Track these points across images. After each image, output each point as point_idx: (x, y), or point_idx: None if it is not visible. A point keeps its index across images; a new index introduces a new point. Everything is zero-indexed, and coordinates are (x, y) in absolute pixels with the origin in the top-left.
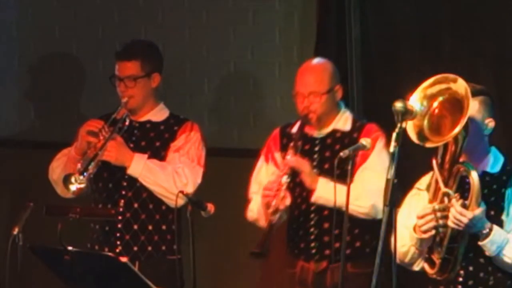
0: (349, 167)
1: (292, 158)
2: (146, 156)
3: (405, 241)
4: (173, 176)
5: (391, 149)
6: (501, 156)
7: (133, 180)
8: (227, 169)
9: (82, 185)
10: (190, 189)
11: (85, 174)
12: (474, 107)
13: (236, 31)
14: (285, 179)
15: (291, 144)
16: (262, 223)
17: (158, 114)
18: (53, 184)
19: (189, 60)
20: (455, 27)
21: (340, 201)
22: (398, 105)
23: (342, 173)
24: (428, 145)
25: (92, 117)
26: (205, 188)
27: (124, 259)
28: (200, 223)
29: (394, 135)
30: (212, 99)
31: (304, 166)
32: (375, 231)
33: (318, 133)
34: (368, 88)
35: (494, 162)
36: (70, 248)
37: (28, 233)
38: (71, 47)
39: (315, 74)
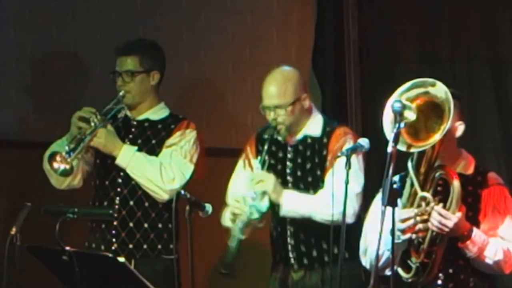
0: (346, 168)
1: (254, 180)
2: (135, 148)
3: (376, 244)
4: (160, 170)
5: (389, 149)
6: (471, 158)
7: (128, 178)
8: (225, 169)
9: (67, 166)
10: (176, 184)
11: (71, 154)
12: None
13: (234, 31)
14: (251, 196)
15: (258, 158)
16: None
17: (158, 113)
18: (47, 174)
19: (187, 60)
20: (453, 30)
21: (307, 211)
22: (396, 105)
23: (315, 180)
24: (412, 150)
25: None
26: (203, 188)
27: (121, 259)
28: (198, 223)
29: (392, 135)
30: (210, 100)
31: (267, 185)
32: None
33: (290, 140)
34: (365, 89)
35: (465, 163)
36: (68, 248)
37: (26, 233)
38: (69, 47)
39: (278, 87)
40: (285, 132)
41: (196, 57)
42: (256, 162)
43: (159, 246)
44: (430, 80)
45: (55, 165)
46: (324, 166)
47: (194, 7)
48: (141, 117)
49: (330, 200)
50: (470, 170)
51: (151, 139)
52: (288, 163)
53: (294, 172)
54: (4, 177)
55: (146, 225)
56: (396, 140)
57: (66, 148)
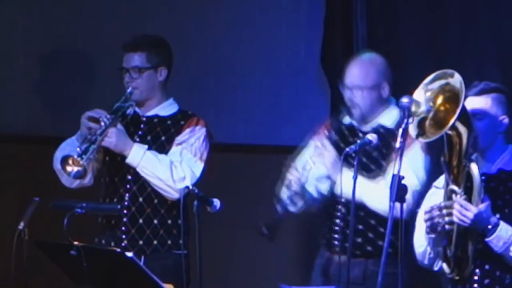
0: (355, 163)
1: (317, 150)
2: (145, 146)
3: (422, 241)
4: (170, 169)
5: (397, 144)
6: None
7: (138, 174)
8: (234, 164)
9: (80, 168)
10: (187, 183)
11: (84, 156)
12: (486, 103)
13: (242, 27)
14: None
15: (327, 133)
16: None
17: (167, 108)
18: (57, 173)
19: (195, 56)
20: (462, 26)
21: (361, 196)
22: (405, 101)
23: (377, 169)
24: (424, 139)
25: None
26: (212, 184)
27: (129, 254)
28: (207, 219)
29: (400, 130)
30: (218, 95)
31: (326, 159)
32: (399, 231)
33: (364, 127)
34: None
35: (511, 159)
36: (76, 243)
37: (34, 228)
38: (77, 42)
39: (361, 68)
40: (358, 116)
41: (204, 53)
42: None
43: (169, 242)
44: (450, 71)
45: (68, 168)
46: (390, 157)
47: (202, 2)
48: (150, 113)
49: (385, 190)
50: None
51: (160, 135)
52: None
53: (360, 159)
54: (13, 172)
55: (155, 221)
56: (404, 135)
57: (78, 150)
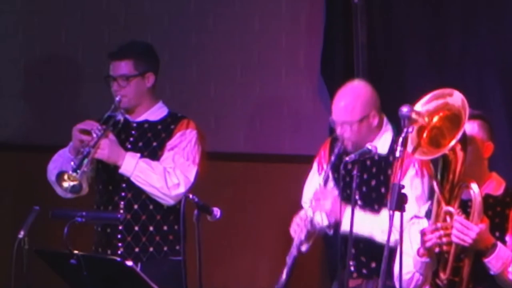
0: (355, 172)
1: (316, 194)
2: (138, 155)
3: (409, 268)
4: (164, 176)
5: (397, 153)
6: (502, 180)
7: (132, 182)
8: (234, 173)
9: (75, 183)
10: (182, 189)
11: (78, 171)
12: (473, 129)
13: (242, 35)
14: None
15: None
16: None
17: (156, 113)
18: (52, 185)
19: (195, 64)
20: (461, 35)
21: (368, 233)
22: (405, 110)
23: (379, 197)
24: (425, 157)
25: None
26: (212, 192)
27: (129, 263)
28: (206, 227)
29: (400, 139)
30: (218, 104)
31: (326, 204)
32: None
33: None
34: None
35: (495, 184)
36: (76, 251)
37: (34, 237)
38: (76, 51)
39: (346, 103)
40: (352, 148)
41: (204, 61)
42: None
43: (165, 248)
44: (448, 90)
45: (64, 184)
46: (388, 184)
47: (203, 10)
48: (140, 118)
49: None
50: (500, 191)
51: (151, 141)
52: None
53: (360, 187)
54: (11, 181)
55: (151, 228)
56: (404, 144)
57: (72, 164)
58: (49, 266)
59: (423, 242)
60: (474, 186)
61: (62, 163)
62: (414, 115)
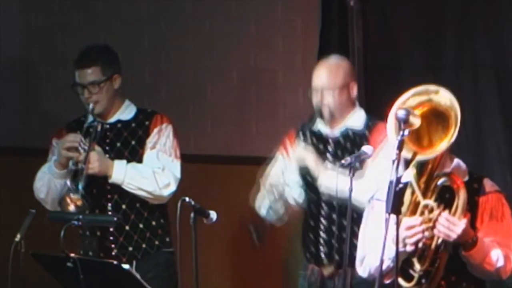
0: (350, 175)
1: (297, 151)
2: (124, 162)
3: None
4: (155, 178)
5: (393, 157)
6: (464, 165)
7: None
8: (230, 176)
9: (79, 203)
10: (173, 188)
11: (77, 191)
12: None
13: (239, 39)
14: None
15: (302, 137)
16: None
17: (126, 111)
18: (41, 202)
19: (192, 68)
20: (457, 37)
21: (346, 191)
22: (401, 112)
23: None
24: (419, 158)
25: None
26: (208, 195)
27: (126, 266)
28: (202, 230)
29: (396, 142)
30: (215, 107)
31: (308, 159)
32: None
33: (331, 132)
34: (370, 97)
35: (460, 171)
36: (72, 255)
37: (30, 240)
38: (73, 54)
39: (329, 70)
40: (328, 116)
41: (200, 65)
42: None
43: (157, 242)
44: (433, 87)
45: (70, 208)
46: (362, 165)
47: (199, 14)
48: (112, 119)
49: (368, 187)
50: (465, 177)
51: (129, 140)
52: (328, 155)
53: (334, 164)
54: (7, 184)
55: (141, 225)
56: (400, 147)
57: (69, 185)
58: (46, 269)
59: (407, 236)
60: (461, 188)
61: (50, 180)
62: (410, 118)
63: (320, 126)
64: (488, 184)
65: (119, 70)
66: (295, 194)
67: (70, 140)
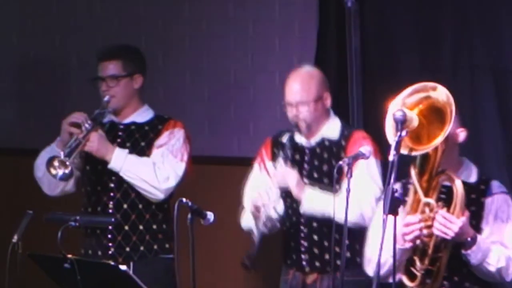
0: (348, 176)
1: (278, 171)
2: (126, 151)
3: (386, 252)
4: (154, 170)
5: (390, 157)
6: (474, 166)
7: (120, 182)
8: (227, 177)
9: (66, 170)
10: (172, 183)
11: (69, 158)
12: None
13: (236, 39)
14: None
15: (281, 153)
16: (255, 232)
17: (143, 115)
18: (39, 182)
19: (189, 68)
20: (455, 38)
21: (329, 212)
22: (398, 113)
23: (331, 182)
24: (414, 153)
25: None
26: (205, 196)
27: (123, 267)
28: (200, 231)
29: (393, 143)
30: (212, 108)
31: (290, 179)
32: (364, 240)
33: (307, 142)
34: (368, 98)
35: (468, 172)
36: (69, 256)
37: (27, 241)
38: (70, 54)
39: (302, 83)
40: (306, 129)
41: (198, 65)
42: (278, 161)
43: (155, 247)
44: (431, 84)
45: (53, 171)
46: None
47: (197, 15)
48: (127, 120)
49: (350, 202)
50: (473, 179)
51: (139, 141)
52: (305, 165)
53: (311, 174)
54: (5, 185)
55: (141, 227)
56: (397, 148)
57: (62, 153)
58: (43, 270)
59: (404, 233)
60: (458, 182)
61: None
62: (408, 119)
63: (296, 136)
64: (495, 186)
65: (143, 72)
66: (276, 204)
67: (75, 117)
